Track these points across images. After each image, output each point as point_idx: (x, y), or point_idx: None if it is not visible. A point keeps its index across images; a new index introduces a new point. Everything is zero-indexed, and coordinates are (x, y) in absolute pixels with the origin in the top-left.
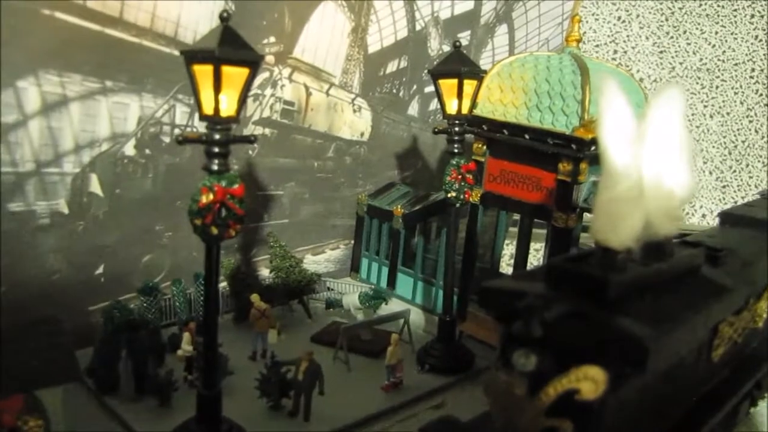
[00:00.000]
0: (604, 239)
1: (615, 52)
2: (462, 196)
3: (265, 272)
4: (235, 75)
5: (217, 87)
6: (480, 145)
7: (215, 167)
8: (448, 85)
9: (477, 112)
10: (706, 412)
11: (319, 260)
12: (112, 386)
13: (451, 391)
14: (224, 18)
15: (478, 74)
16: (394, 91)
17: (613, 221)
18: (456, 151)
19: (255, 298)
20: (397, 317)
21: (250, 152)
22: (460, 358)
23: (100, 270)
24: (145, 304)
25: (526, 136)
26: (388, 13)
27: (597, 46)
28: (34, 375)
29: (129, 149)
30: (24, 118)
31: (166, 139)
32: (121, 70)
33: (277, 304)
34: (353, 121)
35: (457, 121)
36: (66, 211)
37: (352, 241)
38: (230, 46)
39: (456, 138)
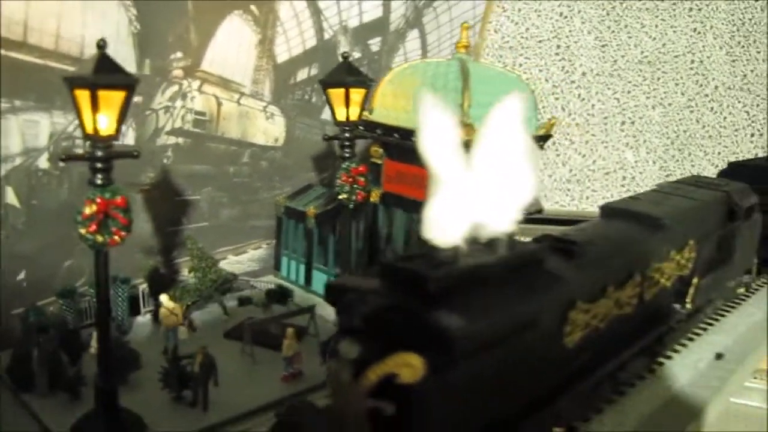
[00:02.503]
0: (432, 238)
1: (558, 47)
2: (354, 197)
3: (185, 273)
4: (111, 97)
5: (95, 109)
6: (377, 149)
7: (98, 181)
8: (337, 94)
9: (374, 116)
10: (556, 394)
11: (242, 260)
12: (28, 383)
13: None
14: (100, 46)
15: (365, 83)
16: (306, 97)
17: (439, 223)
18: (347, 155)
19: (164, 297)
20: (304, 311)
21: (165, 160)
22: None
23: (22, 276)
24: (64, 307)
25: (413, 139)
26: (294, 24)
27: (540, 42)
28: None
29: (42, 162)
30: None
31: (79, 152)
32: (29, 90)
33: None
34: (267, 128)
35: (346, 128)
36: None
37: (275, 241)
38: (106, 72)
39: (346, 144)
